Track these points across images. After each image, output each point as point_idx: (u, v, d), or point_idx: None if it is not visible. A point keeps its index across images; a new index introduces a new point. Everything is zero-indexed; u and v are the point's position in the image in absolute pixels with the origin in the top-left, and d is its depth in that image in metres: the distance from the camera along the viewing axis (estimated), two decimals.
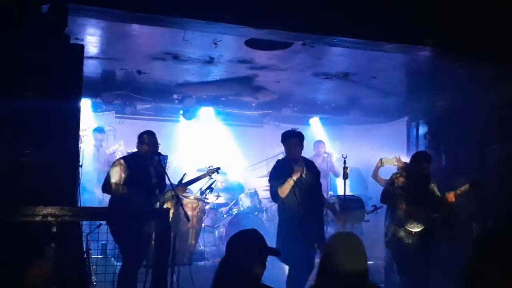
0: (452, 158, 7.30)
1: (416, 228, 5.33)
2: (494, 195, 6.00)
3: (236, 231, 3.00)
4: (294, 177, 5.08)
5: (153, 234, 4.79)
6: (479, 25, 4.94)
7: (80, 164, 6.59)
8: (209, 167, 5.69)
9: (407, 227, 5.34)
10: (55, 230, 3.63)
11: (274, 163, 5.52)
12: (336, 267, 2.53)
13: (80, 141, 6.56)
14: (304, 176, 5.24)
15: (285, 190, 5.09)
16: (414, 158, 5.67)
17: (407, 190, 5.40)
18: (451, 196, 5.37)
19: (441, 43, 5.00)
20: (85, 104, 7.99)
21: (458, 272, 1.81)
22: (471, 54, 5.20)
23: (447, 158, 7.47)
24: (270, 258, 2.90)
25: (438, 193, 5.51)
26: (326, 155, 8.62)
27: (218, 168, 5.64)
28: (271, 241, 5.97)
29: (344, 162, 5.42)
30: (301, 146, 5.27)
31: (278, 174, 5.24)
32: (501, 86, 5.96)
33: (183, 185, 5.42)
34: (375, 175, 6.55)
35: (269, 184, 5.40)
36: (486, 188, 5.74)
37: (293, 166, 5.13)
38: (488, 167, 6.41)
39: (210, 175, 5.58)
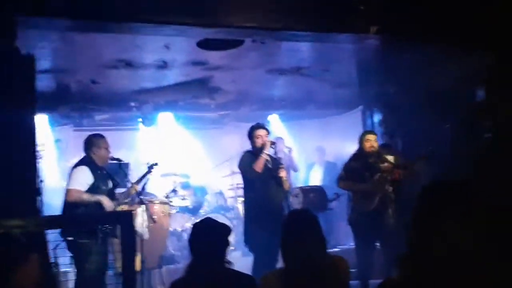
0: (408, 142, 7.53)
1: (367, 208, 5.49)
2: (449, 172, 6.22)
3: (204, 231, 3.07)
4: (266, 151, 5.31)
5: (115, 239, 4.81)
6: (421, 10, 5.14)
7: (41, 180, 6.54)
8: (147, 163, 5.85)
9: (360, 207, 5.50)
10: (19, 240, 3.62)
11: (242, 154, 5.65)
12: (295, 244, 2.64)
13: (38, 157, 6.54)
14: (270, 166, 5.41)
15: (260, 164, 5.27)
16: (359, 137, 5.84)
17: (357, 171, 5.57)
18: (397, 172, 5.54)
19: (385, 30, 5.19)
20: (42, 119, 7.93)
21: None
22: (416, 38, 5.41)
23: (403, 143, 7.69)
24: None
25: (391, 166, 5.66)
26: (288, 150, 8.74)
27: (155, 164, 5.83)
28: (240, 238, 6.09)
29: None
30: (267, 138, 5.49)
31: (249, 158, 5.41)
32: (447, 69, 6.21)
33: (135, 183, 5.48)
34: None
35: (240, 170, 5.57)
36: (441, 164, 5.95)
37: (261, 154, 5.34)
38: (442, 147, 6.63)
39: (150, 171, 5.74)
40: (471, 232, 1.57)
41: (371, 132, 6.04)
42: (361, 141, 5.72)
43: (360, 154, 5.69)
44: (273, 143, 5.47)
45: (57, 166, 8.37)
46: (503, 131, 5.63)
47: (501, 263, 1.55)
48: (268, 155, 5.44)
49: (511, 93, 5.57)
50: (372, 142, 5.68)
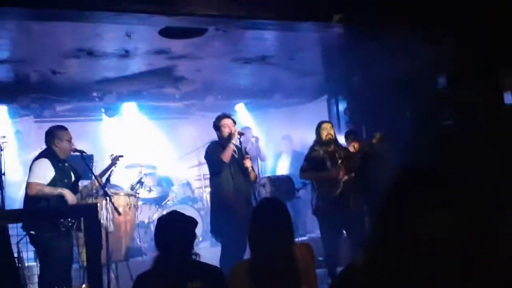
0: (372, 130, 7.61)
1: (331, 196, 5.54)
2: (410, 158, 6.32)
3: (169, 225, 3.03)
4: (233, 141, 5.29)
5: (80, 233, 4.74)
6: None
7: (2, 172, 6.39)
8: (111, 155, 5.82)
9: (324, 196, 5.56)
10: None
11: (209, 144, 5.59)
12: (264, 235, 2.63)
13: None
14: (236, 156, 5.38)
15: (227, 154, 5.24)
16: (316, 128, 5.92)
17: (318, 160, 5.63)
18: (358, 157, 5.64)
19: (348, 18, 5.21)
20: (1, 110, 7.74)
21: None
22: (378, 27, 5.46)
23: (367, 130, 7.79)
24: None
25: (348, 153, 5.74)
26: (254, 139, 8.73)
27: (121, 156, 5.83)
28: (209, 229, 6.05)
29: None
30: (234, 128, 5.46)
31: (215, 149, 5.38)
32: (411, 57, 6.28)
33: (99, 176, 5.44)
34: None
35: (207, 160, 5.54)
36: (404, 150, 6.05)
37: (228, 144, 5.29)
38: (405, 133, 6.74)
39: (115, 164, 5.72)
40: (439, 222, 1.58)
41: (326, 121, 6.15)
42: (318, 131, 5.83)
43: (319, 144, 5.76)
44: (241, 134, 5.46)
45: (18, 158, 8.16)
46: (463, 119, 5.75)
47: (469, 254, 1.55)
48: (235, 145, 5.42)
49: (472, 81, 5.69)
50: (328, 130, 5.78)
